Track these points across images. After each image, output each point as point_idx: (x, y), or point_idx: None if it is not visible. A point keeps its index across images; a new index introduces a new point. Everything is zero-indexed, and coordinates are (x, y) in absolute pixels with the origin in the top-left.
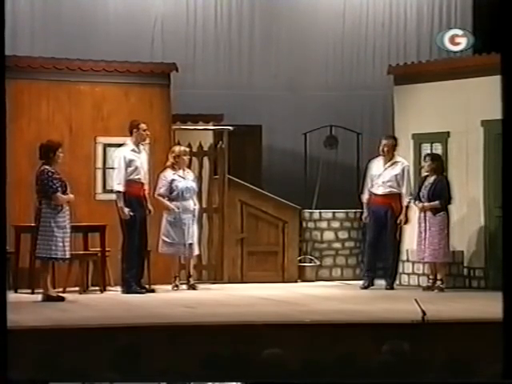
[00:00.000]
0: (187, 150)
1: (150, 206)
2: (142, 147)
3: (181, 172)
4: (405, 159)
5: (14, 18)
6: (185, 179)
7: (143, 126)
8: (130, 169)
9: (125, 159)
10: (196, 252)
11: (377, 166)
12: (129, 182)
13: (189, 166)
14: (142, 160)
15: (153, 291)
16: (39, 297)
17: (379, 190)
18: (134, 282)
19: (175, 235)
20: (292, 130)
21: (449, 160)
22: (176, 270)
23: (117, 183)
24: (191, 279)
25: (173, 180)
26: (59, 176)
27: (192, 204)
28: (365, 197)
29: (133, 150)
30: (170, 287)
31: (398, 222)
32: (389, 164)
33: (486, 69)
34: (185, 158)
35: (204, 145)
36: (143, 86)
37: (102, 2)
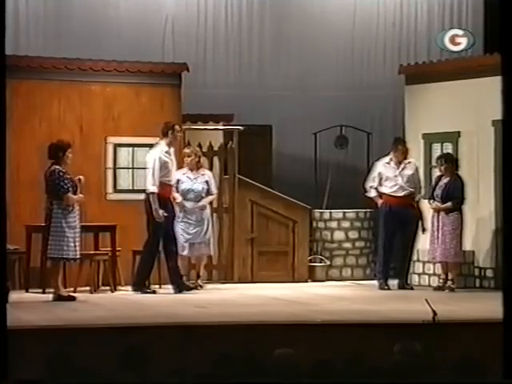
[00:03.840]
0: (192, 150)
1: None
2: (172, 149)
3: (190, 173)
4: (415, 159)
5: (26, 19)
6: (192, 180)
7: (177, 127)
8: (163, 171)
9: (160, 160)
10: (205, 252)
11: (389, 168)
12: (160, 184)
13: (210, 168)
14: (172, 162)
15: (154, 292)
16: (50, 296)
17: (399, 192)
18: (146, 282)
19: (178, 235)
20: (302, 129)
21: (459, 160)
22: (182, 270)
23: (151, 184)
24: (199, 280)
25: (178, 180)
26: (70, 176)
27: (195, 205)
28: (373, 192)
29: (166, 152)
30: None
31: (423, 229)
32: (403, 165)
33: (497, 68)
34: (188, 159)
35: (214, 145)
36: (154, 86)
37: (113, 2)
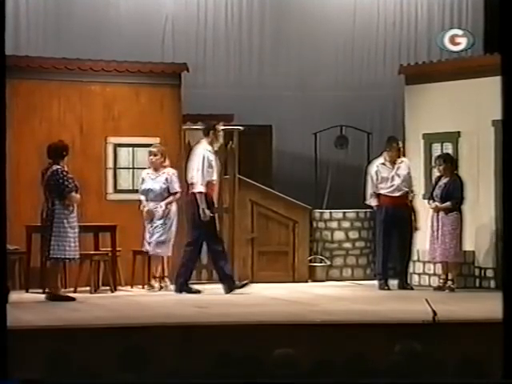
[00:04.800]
0: (158, 150)
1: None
2: (214, 148)
3: (152, 172)
4: (416, 159)
5: (26, 19)
6: (152, 180)
7: (219, 127)
8: (209, 170)
9: (208, 160)
10: (164, 252)
11: (385, 169)
12: (206, 183)
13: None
14: (216, 161)
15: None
16: (43, 296)
17: (395, 193)
18: (187, 281)
19: (144, 234)
20: (302, 129)
21: (459, 160)
22: (153, 270)
23: (200, 184)
24: (164, 281)
25: (142, 179)
26: (71, 176)
27: (154, 205)
28: (373, 201)
29: (210, 151)
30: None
31: (416, 228)
32: (397, 165)
33: (497, 68)
34: (154, 158)
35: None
36: (154, 86)
37: (113, 2)
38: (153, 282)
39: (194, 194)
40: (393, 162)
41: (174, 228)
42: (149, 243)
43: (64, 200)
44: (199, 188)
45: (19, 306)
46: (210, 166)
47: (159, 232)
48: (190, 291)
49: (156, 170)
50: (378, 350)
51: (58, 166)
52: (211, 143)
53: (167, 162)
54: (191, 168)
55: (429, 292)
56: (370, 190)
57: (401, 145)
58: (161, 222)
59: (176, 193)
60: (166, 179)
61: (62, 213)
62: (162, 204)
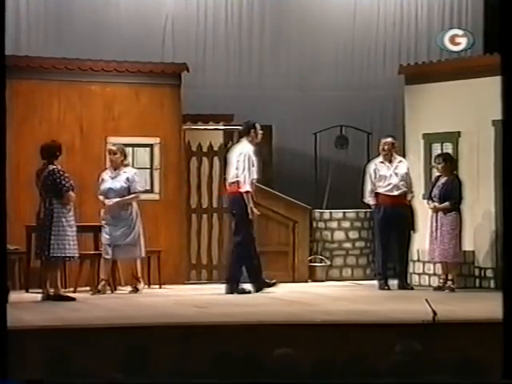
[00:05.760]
0: (118, 148)
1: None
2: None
3: (111, 172)
4: (416, 159)
5: (26, 19)
6: (112, 179)
7: (258, 126)
8: (252, 169)
9: (251, 159)
10: (134, 255)
11: (383, 168)
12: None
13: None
14: (257, 160)
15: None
16: (39, 296)
17: (393, 192)
18: (240, 281)
19: (103, 237)
20: (302, 129)
21: (459, 160)
22: (103, 273)
23: (246, 183)
24: (135, 284)
25: (102, 180)
26: (68, 175)
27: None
28: (371, 200)
29: (251, 150)
30: (179, 287)
31: (413, 229)
32: (395, 164)
33: (497, 68)
34: (114, 156)
35: (214, 145)
36: (154, 86)
37: (113, 2)
38: (100, 286)
39: (240, 193)
40: (390, 162)
41: (138, 229)
42: (116, 247)
43: (62, 199)
44: (246, 187)
45: (19, 306)
46: (253, 164)
47: (127, 235)
48: (243, 292)
49: (116, 169)
50: (378, 350)
51: (54, 166)
52: (251, 142)
53: (127, 161)
54: (233, 167)
55: (429, 292)
56: (368, 188)
57: (393, 140)
58: (125, 224)
59: (136, 193)
60: (127, 178)
61: (60, 212)
62: (119, 199)
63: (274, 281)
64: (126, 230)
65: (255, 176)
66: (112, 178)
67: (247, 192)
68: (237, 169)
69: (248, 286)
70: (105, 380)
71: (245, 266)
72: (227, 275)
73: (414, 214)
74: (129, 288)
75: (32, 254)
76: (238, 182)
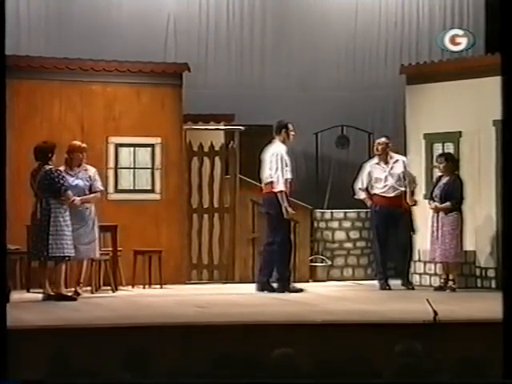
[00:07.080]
0: (79, 145)
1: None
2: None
3: (71, 169)
4: (417, 159)
5: (27, 19)
6: (73, 176)
7: (291, 126)
8: (286, 168)
9: (284, 158)
10: (89, 255)
11: (378, 170)
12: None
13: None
14: (289, 159)
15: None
16: (40, 296)
17: (390, 193)
18: (287, 279)
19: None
20: (303, 129)
21: (460, 160)
22: (77, 274)
23: (280, 183)
24: (78, 288)
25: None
26: (64, 175)
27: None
28: (362, 194)
29: (284, 150)
30: (180, 287)
31: (412, 230)
32: (390, 165)
33: (498, 68)
34: (80, 154)
35: (215, 145)
36: (155, 86)
37: (115, 2)
38: (78, 288)
39: (274, 193)
40: (386, 163)
41: (96, 228)
42: (76, 246)
43: (59, 198)
44: (280, 187)
45: (20, 306)
46: (286, 164)
47: (88, 233)
48: (296, 290)
49: (74, 166)
50: (379, 350)
51: (50, 166)
52: (284, 142)
53: (85, 160)
54: (267, 168)
55: (430, 292)
56: (358, 185)
57: (387, 141)
58: (88, 223)
59: (97, 191)
60: (90, 177)
61: (58, 211)
62: (78, 199)
63: (301, 288)
64: (86, 230)
65: (289, 176)
66: (72, 176)
67: (281, 192)
68: (270, 169)
69: (298, 285)
70: (106, 380)
71: (276, 266)
72: (259, 276)
73: (411, 216)
74: (129, 288)
75: (29, 255)
76: (271, 182)
